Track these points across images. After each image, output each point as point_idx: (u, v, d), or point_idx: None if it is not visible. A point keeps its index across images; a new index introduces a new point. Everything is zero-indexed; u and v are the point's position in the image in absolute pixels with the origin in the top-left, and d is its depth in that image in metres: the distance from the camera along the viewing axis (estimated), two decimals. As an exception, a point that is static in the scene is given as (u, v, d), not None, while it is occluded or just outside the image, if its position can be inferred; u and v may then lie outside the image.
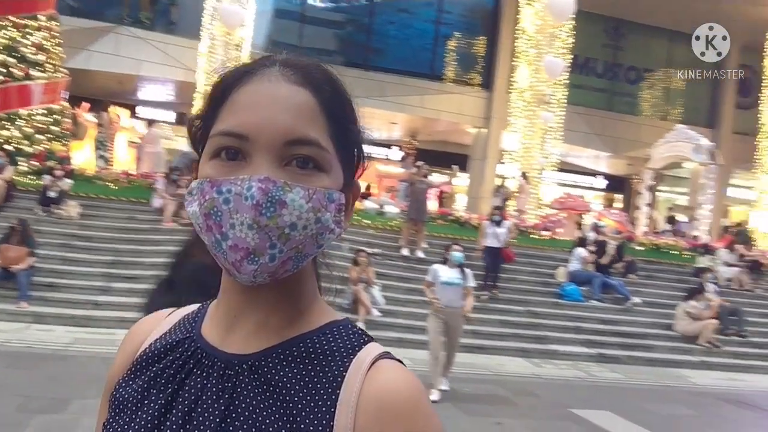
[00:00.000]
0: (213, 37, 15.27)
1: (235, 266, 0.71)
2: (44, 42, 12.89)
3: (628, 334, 11.51)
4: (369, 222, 13.11)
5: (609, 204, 24.33)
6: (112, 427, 0.78)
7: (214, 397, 0.74)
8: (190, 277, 1.98)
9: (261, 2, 16.73)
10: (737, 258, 15.22)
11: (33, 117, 12.65)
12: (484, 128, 20.39)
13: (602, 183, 25.52)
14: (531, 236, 14.51)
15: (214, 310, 0.82)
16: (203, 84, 15.25)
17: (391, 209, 14.19)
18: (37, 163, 12.30)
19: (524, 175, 16.36)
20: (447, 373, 7.49)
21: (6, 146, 12.07)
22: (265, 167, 0.71)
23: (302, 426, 0.70)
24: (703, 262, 14.62)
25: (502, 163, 18.28)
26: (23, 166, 12.22)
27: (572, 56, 18.05)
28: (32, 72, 12.61)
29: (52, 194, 11.37)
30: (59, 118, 13.19)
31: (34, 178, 12.02)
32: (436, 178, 17.59)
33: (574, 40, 17.53)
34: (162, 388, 0.77)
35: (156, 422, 0.75)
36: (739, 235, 17.02)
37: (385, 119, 19.85)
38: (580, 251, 12.82)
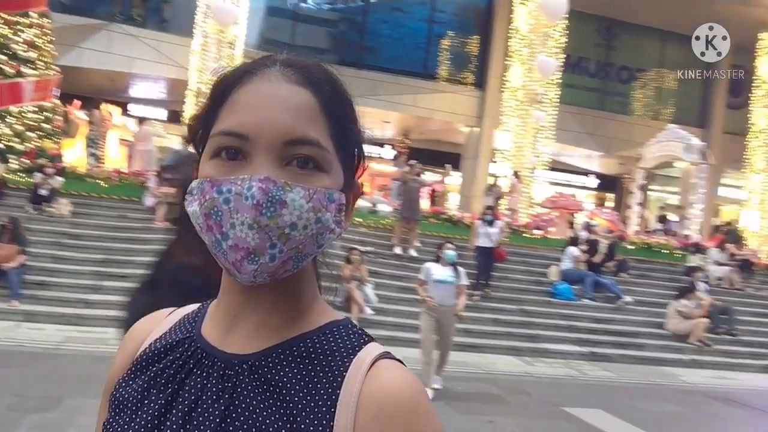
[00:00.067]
0: (206, 35, 15.21)
1: (236, 266, 0.71)
2: (36, 39, 12.84)
3: (620, 333, 11.57)
4: (361, 220, 13.12)
5: (601, 203, 24.47)
6: (112, 426, 0.78)
7: (214, 397, 0.73)
8: (170, 277, 1.99)
9: (254, 0, 16.68)
10: (728, 257, 15.32)
11: (24, 114, 12.59)
12: (477, 127, 20.43)
13: (594, 182, 25.61)
14: (523, 235, 14.56)
15: (214, 310, 0.82)
16: (195, 82, 15.21)
17: (384, 208, 14.20)
18: (28, 161, 12.25)
19: (516, 174, 16.40)
20: (440, 371, 7.51)
21: (-3, 143, 12.03)
22: (266, 167, 0.71)
23: (302, 426, 0.70)
24: (694, 261, 14.71)
25: (495, 162, 18.33)
26: (14, 163, 12.15)
27: (565, 56, 18.12)
28: (23, 69, 12.55)
29: (43, 192, 11.31)
30: (50, 115, 13.13)
31: (25, 175, 11.95)
32: (428, 176, 17.61)
33: (566, 40, 17.60)
34: (162, 388, 0.77)
35: (156, 422, 0.75)
36: (730, 235, 17.15)
37: (378, 118, 19.84)
38: (572, 250, 12.87)
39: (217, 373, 0.75)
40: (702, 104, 23.40)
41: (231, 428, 0.71)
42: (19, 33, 12.56)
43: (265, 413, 0.71)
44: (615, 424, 7.00)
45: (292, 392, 0.72)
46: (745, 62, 19.11)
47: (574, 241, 13.31)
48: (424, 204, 15.07)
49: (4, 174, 11.58)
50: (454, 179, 21.25)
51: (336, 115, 0.76)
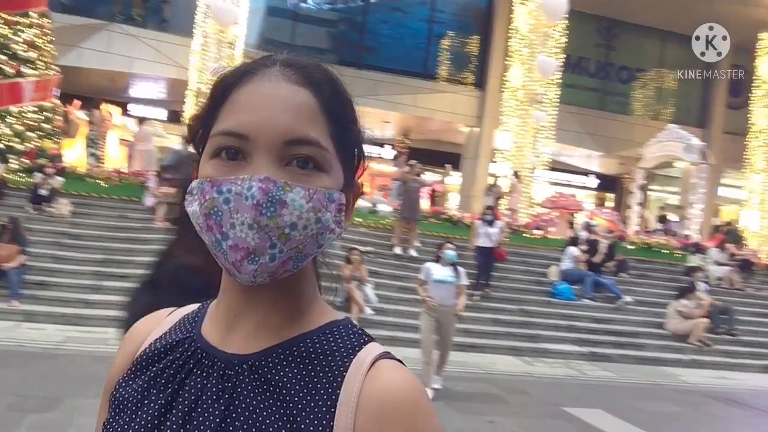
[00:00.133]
0: (206, 35, 15.21)
1: (236, 266, 0.71)
2: (36, 39, 12.84)
3: (620, 333, 11.56)
4: (361, 220, 13.12)
5: (601, 203, 24.46)
6: (112, 426, 0.78)
7: (214, 397, 0.73)
8: (170, 277, 1.99)
9: (254, 0, 16.68)
10: (728, 257, 15.32)
11: (24, 114, 12.59)
12: (477, 127, 20.43)
13: (594, 182, 25.61)
14: (523, 235, 14.56)
15: (214, 310, 0.82)
16: (195, 82, 15.21)
17: (384, 208, 14.20)
18: (28, 161, 12.25)
19: (516, 174, 16.40)
20: (440, 371, 7.51)
21: (-3, 143, 12.03)
22: (266, 167, 0.71)
23: (302, 426, 0.70)
24: (694, 261, 14.71)
25: (495, 162, 18.32)
26: (14, 163, 12.15)
27: (565, 56, 18.11)
28: (23, 69, 12.55)
29: (43, 192, 11.31)
30: (50, 115, 13.13)
31: (25, 175, 11.95)
32: (428, 176, 17.61)
33: (566, 40, 17.60)
34: (162, 388, 0.77)
35: (156, 422, 0.74)
36: (730, 235, 17.15)
37: (378, 118, 19.84)
38: (572, 250, 12.87)
39: (217, 373, 0.75)
40: (702, 104, 23.40)
41: (231, 428, 0.71)
42: (19, 33, 12.56)
43: (265, 413, 0.71)
44: (615, 424, 7.00)
45: (292, 392, 0.72)
46: (745, 62, 19.11)
47: (574, 241, 13.31)
48: (424, 204, 15.07)
49: (4, 174, 11.58)
50: (454, 179, 21.25)
51: (336, 115, 0.76)
